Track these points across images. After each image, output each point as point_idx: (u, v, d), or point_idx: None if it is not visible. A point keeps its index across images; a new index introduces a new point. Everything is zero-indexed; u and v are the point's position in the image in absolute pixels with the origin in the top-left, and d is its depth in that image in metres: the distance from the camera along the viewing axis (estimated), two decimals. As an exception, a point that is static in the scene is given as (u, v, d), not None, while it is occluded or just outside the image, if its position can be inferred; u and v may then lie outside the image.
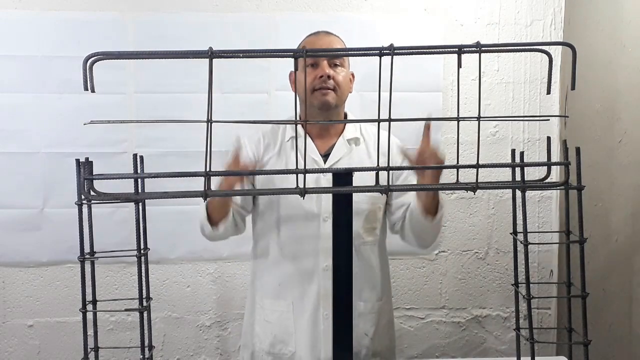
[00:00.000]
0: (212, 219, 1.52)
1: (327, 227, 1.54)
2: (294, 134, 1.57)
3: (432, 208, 1.47)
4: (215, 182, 1.44)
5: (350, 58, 1.61)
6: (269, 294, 1.61)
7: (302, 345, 1.56)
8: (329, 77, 1.50)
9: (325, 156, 1.57)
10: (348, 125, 1.61)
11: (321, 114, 1.53)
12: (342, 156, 1.57)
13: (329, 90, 1.50)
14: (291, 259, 1.57)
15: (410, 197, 1.55)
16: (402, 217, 1.58)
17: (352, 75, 1.62)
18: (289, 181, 1.45)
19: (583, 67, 1.97)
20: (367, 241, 1.58)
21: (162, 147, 2.19)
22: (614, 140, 1.88)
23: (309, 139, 1.58)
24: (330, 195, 1.48)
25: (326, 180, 1.53)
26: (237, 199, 1.56)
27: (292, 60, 0.92)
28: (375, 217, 1.60)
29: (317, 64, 1.52)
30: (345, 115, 1.62)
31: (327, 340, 1.53)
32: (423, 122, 1.50)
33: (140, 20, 2.18)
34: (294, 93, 1.55)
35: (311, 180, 1.52)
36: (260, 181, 1.59)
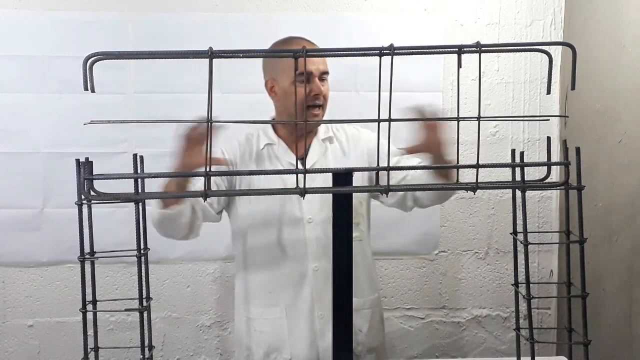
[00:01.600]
0: (164, 201, 1.45)
1: (312, 230, 1.56)
2: (268, 141, 1.61)
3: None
4: (163, 181, 1.42)
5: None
6: (259, 303, 1.59)
7: (299, 349, 1.55)
8: (320, 95, 1.54)
9: (302, 159, 1.57)
10: (320, 126, 1.64)
11: (308, 130, 1.59)
12: (318, 157, 1.60)
13: (319, 111, 1.55)
14: (278, 265, 1.56)
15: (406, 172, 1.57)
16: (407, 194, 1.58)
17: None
18: (273, 185, 1.47)
19: (583, 67, 1.96)
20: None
21: (162, 147, 2.18)
22: (614, 140, 1.88)
23: (284, 145, 1.61)
24: (313, 198, 1.51)
25: (310, 181, 1.54)
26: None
27: (291, 60, 0.92)
28: (356, 212, 1.59)
29: (309, 79, 1.53)
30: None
31: (324, 339, 1.53)
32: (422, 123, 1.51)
33: (140, 20, 2.18)
34: (272, 100, 1.60)
35: (292, 183, 1.53)
36: (242, 184, 1.58)
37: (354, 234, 1.58)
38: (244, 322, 1.62)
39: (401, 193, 1.59)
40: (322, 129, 1.64)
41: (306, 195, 0.95)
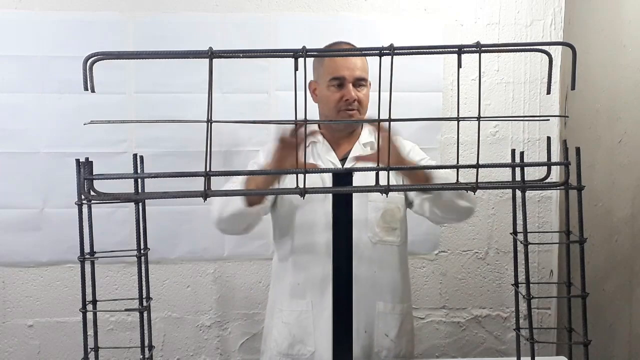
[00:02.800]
0: (249, 199, 1.49)
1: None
2: (313, 140, 1.64)
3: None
4: (244, 179, 1.48)
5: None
6: (287, 295, 1.62)
7: (323, 344, 1.56)
8: (354, 100, 1.54)
9: (343, 160, 1.62)
10: (364, 131, 1.66)
11: (344, 132, 1.63)
12: (357, 161, 1.60)
13: (355, 112, 1.55)
14: (308, 262, 1.58)
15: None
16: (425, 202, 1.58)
17: (370, 84, 1.64)
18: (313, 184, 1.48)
19: (583, 67, 1.97)
20: (385, 240, 1.60)
21: (162, 147, 2.19)
22: (614, 140, 1.88)
23: (327, 145, 1.65)
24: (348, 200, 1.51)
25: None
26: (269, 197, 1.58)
27: (291, 60, 0.92)
28: (393, 217, 1.62)
29: (342, 84, 1.55)
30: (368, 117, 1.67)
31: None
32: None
33: (140, 20, 2.18)
34: (315, 103, 1.62)
35: (323, 184, 1.57)
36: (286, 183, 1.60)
37: (389, 238, 1.62)
38: (274, 313, 1.66)
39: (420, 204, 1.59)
40: (365, 134, 1.66)
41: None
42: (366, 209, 1.59)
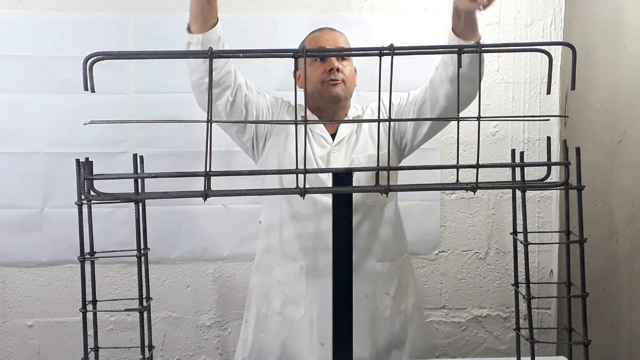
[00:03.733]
0: (197, 22, 1.42)
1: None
2: (303, 113, 1.61)
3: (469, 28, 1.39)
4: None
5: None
6: (281, 256, 1.62)
7: (314, 309, 1.57)
8: (337, 69, 1.56)
9: (332, 135, 1.63)
10: (351, 107, 1.68)
11: (330, 106, 1.61)
12: (347, 134, 1.63)
13: (338, 82, 1.57)
14: (305, 223, 1.58)
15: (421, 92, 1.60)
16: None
17: (355, 69, 1.68)
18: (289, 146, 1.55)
19: (583, 67, 1.97)
20: (376, 200, 1.60)
21: (162, 147, 2.19)
22: (614, 140, 1.88)
23: (316, 118, 1.64)
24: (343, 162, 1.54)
25: (333, 160, 1.59)
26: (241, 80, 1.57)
27: (291, 60, 0.92)
28: (382, 175, 1.60)
29: (324, 58, 1.58)
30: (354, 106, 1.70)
31: None
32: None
33: (140, 20, 2.18)
34: (301, 89, 1.59)
35: (318, 156, 1.60)
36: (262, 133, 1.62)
37: (378, 198, 1.59)
38: (265, 270, 1.65)
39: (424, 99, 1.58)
40: (353, 110, 1.68)
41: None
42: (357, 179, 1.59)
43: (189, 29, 1.46)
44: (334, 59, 1.57)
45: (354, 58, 1.68)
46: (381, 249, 1.62)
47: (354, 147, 1.62)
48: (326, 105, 1.61)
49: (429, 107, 1.57)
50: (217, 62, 1.47)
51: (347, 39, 1.66)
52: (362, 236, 1.58)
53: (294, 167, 0.94)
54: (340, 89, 1.58)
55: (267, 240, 1.68)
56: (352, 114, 1.68)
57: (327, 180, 1.53)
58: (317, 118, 1.64)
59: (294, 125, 1.58)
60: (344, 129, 1.64)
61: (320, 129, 1.64)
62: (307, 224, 1.59)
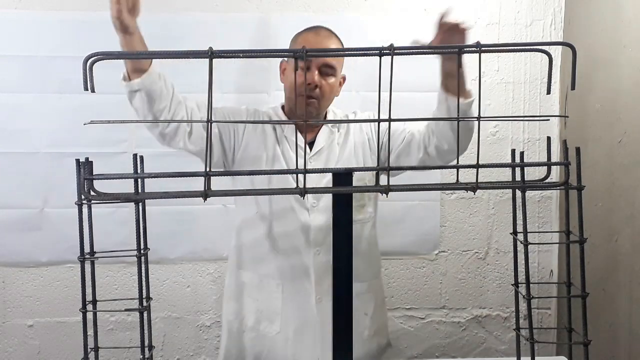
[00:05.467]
0: (133, 71, 1.43)
1: (315, 217, 1.56)
2: (279, 120, 1.62)
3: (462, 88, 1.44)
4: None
5: (347, 59, 1.62)
6: (255, 270, 1.60)
7: (289, 327, 1.56)
8: (316, 86, 1.52)
9: (310, 144, 1.60)
10: (329, 115, 1.64)
11: (308, 117, 1.56)
12: (324, 143, 1.59)
13: (313, 100, 1.53)
14: (279, 240, 1.56)
15: (411, 127, 1.58)
16: (423, 134, 1.56)
17: (343, 78, 1.64)
18: (274, 160, 1.53)
19: (583, 67, 1.97)
20: (356, 219, 1.58)
21: (162, 147, 2.18)
22: (614, 140, 1.88)
23: (293, 127, 1.59)
24: (319, 181, 1.50)
25: (314, 164, 1.56)
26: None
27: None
28: (363, 194, 1.60)
29: (308, 67, 1.52)
30: (326, 113, 1.64)
31: (318, 327, 1.54)
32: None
33: (140, 20, 2.17)
34: (281, 83, 1.60)
35: (294, 166, 1.55)
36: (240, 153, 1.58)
37: (359, 216, 1.59)
38: (238, 285, 1.63)
39: (417, 146, 1.56)
40: (330, 117, 1.64)
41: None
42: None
43: (127, 78, 1.46)
44: (315, 73, 1.51)
45: (352, 62, 1.64)
46: (360, 269, 1.61)
47: (336, 160, 1.58)
48: (302, 115, 1.56)
49: (416, 146, 1.56)
50: (162, 100, 1.47)
51: (341, 41, 1.60)
52: None
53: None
54: (312, 108, 1.53)
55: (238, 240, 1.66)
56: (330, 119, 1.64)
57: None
58: (295, 127, 1.60)
59: (267, 133, 1.59)
60: (322, 139, 1.59)
61: (294, 136, 1.59)
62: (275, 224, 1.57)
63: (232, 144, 1.58)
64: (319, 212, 1.56)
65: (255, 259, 1.61)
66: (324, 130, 1.61)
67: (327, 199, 1.54)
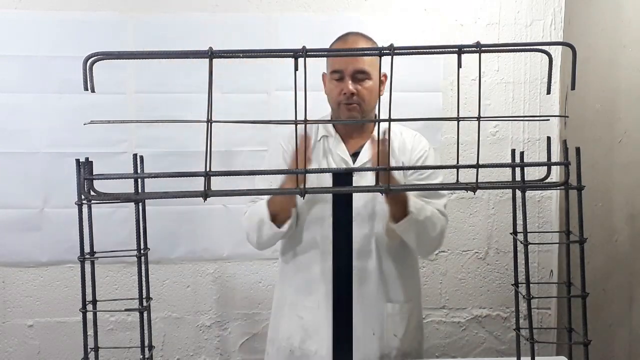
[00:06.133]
0: (277, 218, 1.54)
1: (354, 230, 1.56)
2: (325, 133, 1.63)
3: (398, 213, 1.47)
4: (278, 180, 1.51)
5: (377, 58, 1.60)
6: (299, 291, 1.62)
7: (325, 344, 1.55)
8: (352, 94, 1.51)
9: (355, 155, 1.60)
10: (376, 126, 1.62)
11: (354, 126, 1.61)
12: (370, 156, 1.58)
13: (354, 105, 1.53)
14: (317, 260, 1.58)
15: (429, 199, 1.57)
16: None
17: (385, 76, 1.60)
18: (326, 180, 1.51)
19: (583, 67, 1.97)
20: (391, 242, 1.59)
21: (162, 147, 2.19)
22: (614, 140, 1.88)
23: (338, 139, 1.62)
24: (358, 198, 1.52)
25: (357, 179, 1.55)
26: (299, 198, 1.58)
27: (291, 60, 0.92)
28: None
29: (342, 77, 1.53)
30: (376, 116, 1.63)
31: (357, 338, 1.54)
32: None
33: (140, 20, 2.18)
34: (325, 94, 1.61)
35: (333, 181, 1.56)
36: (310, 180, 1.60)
37: (393, 240, 1.59)
38: (285, 305, 1.66)
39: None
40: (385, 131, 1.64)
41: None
42: (374, 203, 1.58)
43: (270, 218, 1.54)
44: (348, 82, 1.51)
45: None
46: (393, 289, 1.61)
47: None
48: (350, 126, 1.61)
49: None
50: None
51: (374, 41, 1.57)
52: (373, 274, 1.58)
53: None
54: (355, 112, 1.53)
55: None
56: (377, 134, 1.63)
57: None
58: (340, 134, 1.62)
59: (317, 147, 1.61)
60: (367, 149, 1.59)
61: (340, 150, 1.60)
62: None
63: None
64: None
65: (300, 284, 1.63)
66: (369, 142, 1.60)
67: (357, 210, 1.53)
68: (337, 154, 1.60)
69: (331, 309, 1.54)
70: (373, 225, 1.58)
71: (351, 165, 1.57)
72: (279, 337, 1.66)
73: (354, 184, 1.50)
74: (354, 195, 1.50)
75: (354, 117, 1.54)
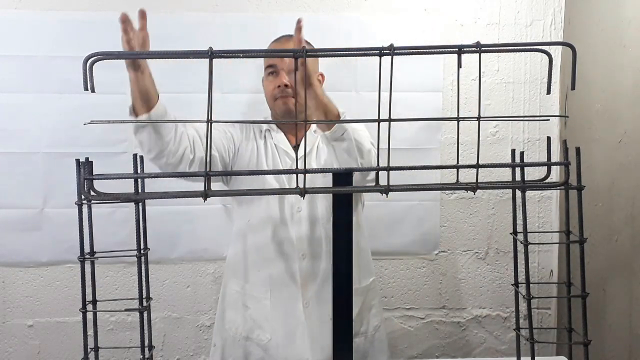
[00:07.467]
0: (136, 107, 1.44)
1: (302, 220, 1.59)
2: (268, 128, 1.67)
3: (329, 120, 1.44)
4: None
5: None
6: (247, 279, 1.63)
7: (279, 333, 1.58)
8: (286, 85, 1.55)
9: (296, 147, 1.63)
10: (313, 117, 1.63)
11: (285, 119, 1.62)
12: (311, 146, 1.63)
13: (290, 98, 1.55)
14: (267, 245, 1.59)
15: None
16: None
17: (322, 75, 1.65)
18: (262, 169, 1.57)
19: (583, 67, 1.97)
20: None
21: (162, 147, 2.18)
22: (614, 140, 1.88)
23: (281, 133, 1.66)
24: (320, 200, 1.53)
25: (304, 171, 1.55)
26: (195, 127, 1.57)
27: (292, 60, 0.92)
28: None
29: (276, 72, 1.57)
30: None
31: (306, 331, 1.57)
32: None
33: (140, 20, 2.17)
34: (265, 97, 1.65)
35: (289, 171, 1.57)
36: (238, 164, 1.62)
37: None
38: (232, 294, 1.66)
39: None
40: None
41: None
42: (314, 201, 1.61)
43: (133, 112, 1.45)
44: (283, 74, 1.55)
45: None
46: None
47: (318, 162, 1.62)
48: (281, 118, 1.62)
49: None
50: (168, 132, 1.48)
51: (312, 44, 1.58)
52: (324, 258, 1.59)
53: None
54: (291, 104, 1.54)
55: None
56: (314, 126, 1.65)
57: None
58: (283, 133, 1.65)
59: (258, 145, 1.64)
60: (308, 140, 1.60)
61: (283, 143, 1.64)
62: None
63: (229, 162, 1.62)
64: (303, 220, 1.60)
65: (245, 268, 1.64)
66: (309, 134, 1.64)
67: (311, 208, 1.58)
68: (281, 147, 1.63)
69: (282, 300, 1.58)
70: (327, 228, 1.59)
71: (292, 155, 1.61)
72: (225, 327, 1.67)
73: (308, 181, 1.50)
74: (317, 196, 1.56)
75: (290, 109, 1.56)
